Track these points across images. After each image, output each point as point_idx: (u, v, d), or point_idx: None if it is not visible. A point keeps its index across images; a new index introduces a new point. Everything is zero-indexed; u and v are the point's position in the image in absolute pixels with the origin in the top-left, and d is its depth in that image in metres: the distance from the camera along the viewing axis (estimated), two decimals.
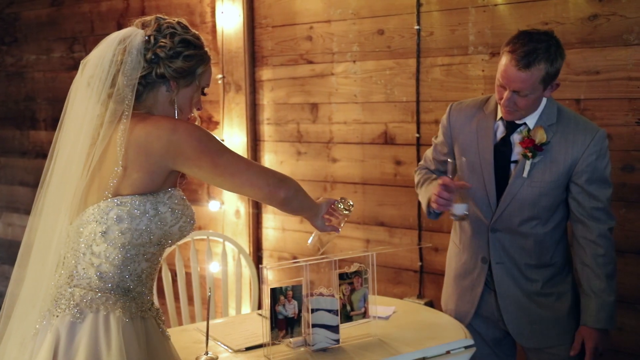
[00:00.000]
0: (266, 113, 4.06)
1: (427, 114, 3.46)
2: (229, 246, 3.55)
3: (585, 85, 2.99)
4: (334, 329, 2.32)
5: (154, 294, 2.08)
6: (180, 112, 1.98)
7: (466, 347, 2.39)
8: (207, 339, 2.33)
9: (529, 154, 2.39)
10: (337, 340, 2.32)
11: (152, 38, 1.92)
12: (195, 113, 2.08)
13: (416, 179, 2.76)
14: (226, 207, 4.19)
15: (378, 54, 3.59)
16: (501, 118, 2.48)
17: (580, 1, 2.98)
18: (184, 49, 1.93)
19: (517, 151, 2.45)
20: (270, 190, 2.00)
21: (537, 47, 2.27)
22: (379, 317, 2.52)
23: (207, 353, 2.32)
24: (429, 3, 3.40)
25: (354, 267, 2.42)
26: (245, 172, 1.94)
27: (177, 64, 1.92)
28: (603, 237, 2.41)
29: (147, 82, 1.93)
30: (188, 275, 3.46)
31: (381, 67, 3.58)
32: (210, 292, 2.53)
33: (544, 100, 2.43)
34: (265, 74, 4.03)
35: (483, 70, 3.26)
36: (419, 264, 3.56)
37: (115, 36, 1.92)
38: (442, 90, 3.41)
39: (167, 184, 1.91)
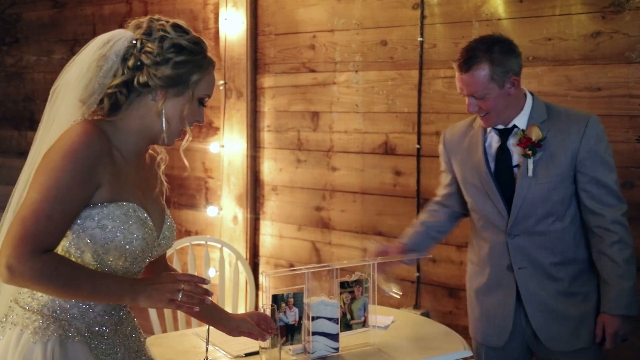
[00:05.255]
0: (267, 120, 4.07)
1: (428, 125, 3.48)
2: (226, 252, 3.56)
3: (587, 101, 3.02)
4: (334, 337, 2.33)
5: (103, 317, 1.83)
6: (168, 124, 1.79)
7: (464, 359, 2.40)
8: (207, 344, 2.32)
9: (529, 152, 2.42)
10: (337, 349, 2.34)
11: (139, 42, 1.77)
12: (187, 128, 1.85)
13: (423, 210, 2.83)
14: (224, 212, 4.20)
15: (380, 65, 3.61)
16: (493, 128, 2.52)
17: (583, 18, 3.01)
18: (174, 54, 1.76)
19: (516, 154, 2.49)
20: (10, 241, 1.60)
21: (476, 51, 2.41)
22: (378, 327, 2.53)
23: (207, 358, 2.31)
24: (432, 15, 3.42)
25: (354, 276, 2.44)
26: (24, 207, 1.63)
27: (164, 71, 1.75)
28: (617, 224, 2.43)
29: (130, 91, 1.78)
30: None
31: (383, 77, 3.61)
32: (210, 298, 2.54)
33: (530, 100, 2.50)
34: (266, 81, 4.05)
35: None
36: (416, 274, 3.57)
37: (101, 38, 1.79)
38: (444, 102, 3.43)
39: (98, 198, 1.71)
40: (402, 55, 3.53)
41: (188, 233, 4.44)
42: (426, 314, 3.46)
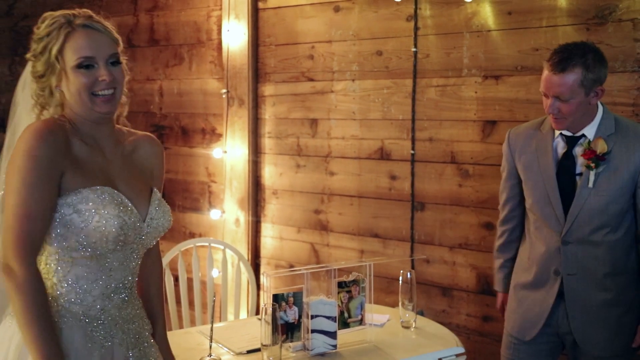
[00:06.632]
0: (267, 127, 4.17)
1: (421, 131, 3.59)
2: (229, 253, 3.66)
3: None
4: (332, 334, 2.40)
5: (103, 301, 1.86)
6: (79, 99, 1.81)
7: (457, 355, 2.48)
8: (211, 341, 2.39)
9: (592, 164, 2.43)
10: (335, 346, 2.41)
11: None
12: (104, 93, 1.83)
13: (496, 242, 2.86)
14: (226, 215, 4.31)
15: (376, 74, 3.72)
16: (560, 134, 2.54)
17: (569, 29, 3.11)
18: (36, 46, 1.82)
19: (580, 163, 2.50)
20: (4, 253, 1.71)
21: (572, 53, 2.42)
22: (374, 325, 2.60)
23: (210, 355, 2.39)
24: (425, 27, 3.53)
25: (352, 276, 2.49)
26: (7, 215, 1.72)
27: (37, 67, 1.82)
28: None
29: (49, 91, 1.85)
30: (189, 280, 3.54)
31: (379, 86, 3.71)
32: (214, 297, 2.65)
33: (600, 112, 2.51)
34: (267, 89, 4.14)
35: (476, 92, 3.39)
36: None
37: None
38: (437, 109, 3.53)
39: (72, 185, 1.77)
40: (397, 64, 3.64)
41: (192, 235, 4.52)
42: (420, 313, 3.55)
